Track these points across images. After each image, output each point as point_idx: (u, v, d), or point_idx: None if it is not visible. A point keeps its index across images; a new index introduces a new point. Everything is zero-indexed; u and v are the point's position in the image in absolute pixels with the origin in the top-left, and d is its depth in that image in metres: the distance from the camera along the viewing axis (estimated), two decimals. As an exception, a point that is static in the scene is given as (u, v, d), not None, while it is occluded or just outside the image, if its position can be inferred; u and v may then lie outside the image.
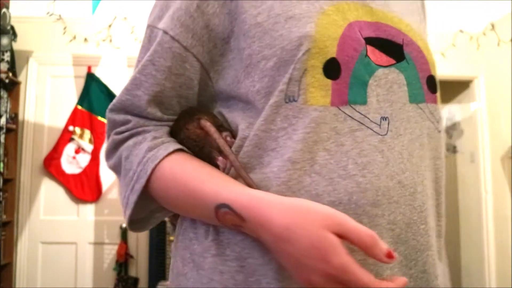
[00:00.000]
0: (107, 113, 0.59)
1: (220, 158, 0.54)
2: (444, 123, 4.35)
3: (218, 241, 0.52)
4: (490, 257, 3.53)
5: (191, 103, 0.60)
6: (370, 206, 0.49)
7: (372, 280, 0.42)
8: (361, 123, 0.51)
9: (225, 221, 0.49)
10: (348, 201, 0.49)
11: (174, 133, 0.59)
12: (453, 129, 4.20)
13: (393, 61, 0.55)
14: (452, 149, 4.21)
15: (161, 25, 0.56)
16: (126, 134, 0.57)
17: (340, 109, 0.51)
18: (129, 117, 0.57)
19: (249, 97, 0.54)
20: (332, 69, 0.51)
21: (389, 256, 0.43)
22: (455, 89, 4.02)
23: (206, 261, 0.51)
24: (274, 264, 0.48)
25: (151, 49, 0.57)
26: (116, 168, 0.58)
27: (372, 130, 0.52)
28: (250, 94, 0.53)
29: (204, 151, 0.56)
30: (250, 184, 0.50)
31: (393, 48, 0.55)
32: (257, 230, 0.47)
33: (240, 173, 0.51)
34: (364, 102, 0.52)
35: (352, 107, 0.51)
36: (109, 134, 0.59)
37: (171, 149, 0.54)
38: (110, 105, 0.59)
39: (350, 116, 0.51)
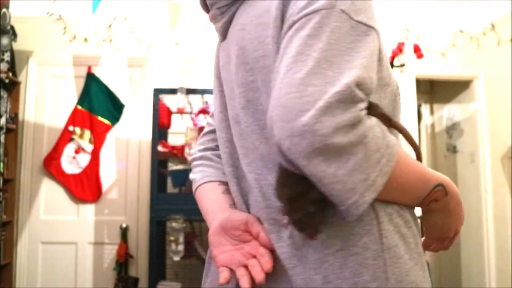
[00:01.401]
0: (348, 83, 0.53)
1: None
2: (444, 123, 4.35)
3: (409, 213, 0.67)
4: (490, 257, 3.54)
5: None
6: None
7: None
8: None
9: (431, 198, 0.65)
10: None
11: None
12: (453, 129, 4.20)
13: None
14: (452, 149, 4.21)
15: (371, 22, 0.60)
16: (365, 112, 0.55)
17: None
18: (363, 95, 0.55)
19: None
20: None
21: None
22: (455, 89, 4.02)
23: (411, 230, 0.65)
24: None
25: (365, 41, 0.58)
26: (350, 147, 0.52)
27: None
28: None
29: None
30: None
31: None
32: (450, 200, 0.67)
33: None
34: None
35: None
36: (343, 108, 0.52)
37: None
38: (355, 77, 0.54)
39: None
